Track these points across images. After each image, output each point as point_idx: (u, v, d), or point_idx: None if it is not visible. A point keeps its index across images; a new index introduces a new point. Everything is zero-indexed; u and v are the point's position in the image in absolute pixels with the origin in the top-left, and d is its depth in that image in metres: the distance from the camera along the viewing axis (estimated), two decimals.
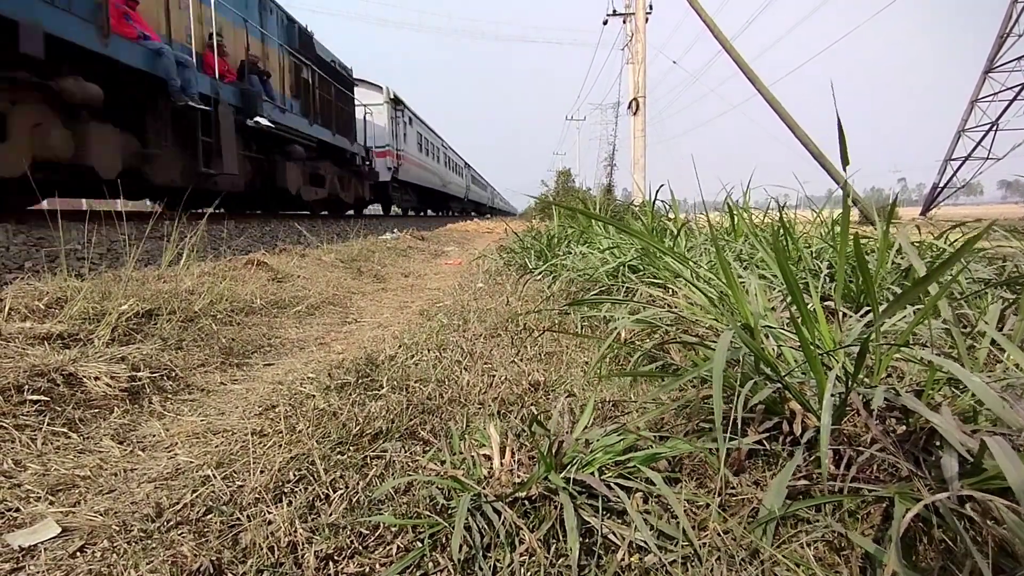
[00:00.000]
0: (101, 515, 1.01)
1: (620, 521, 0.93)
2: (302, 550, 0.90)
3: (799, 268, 2.29)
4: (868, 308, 1.46)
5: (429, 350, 1.99)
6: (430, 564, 0.87)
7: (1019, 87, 22.75)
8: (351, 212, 15.24)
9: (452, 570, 0.85)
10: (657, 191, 3.80)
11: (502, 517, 0.91)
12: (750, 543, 0.85)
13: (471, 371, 1.75)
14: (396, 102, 16.42)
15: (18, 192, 4.94)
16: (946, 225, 2.57)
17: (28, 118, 4.43)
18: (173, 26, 6.33)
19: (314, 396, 1.55)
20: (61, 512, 1.02)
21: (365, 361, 1.83)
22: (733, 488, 0.99)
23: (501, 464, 1.06)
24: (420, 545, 0.90)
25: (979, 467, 0.80)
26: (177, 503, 1.04)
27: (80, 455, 1.26)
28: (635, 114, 13.34)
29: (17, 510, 1.03)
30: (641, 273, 2.56)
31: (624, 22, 14.81)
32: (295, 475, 1.12)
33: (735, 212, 3.06)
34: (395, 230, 9.89)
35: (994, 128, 23.80)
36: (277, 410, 1.47)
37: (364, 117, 14.02)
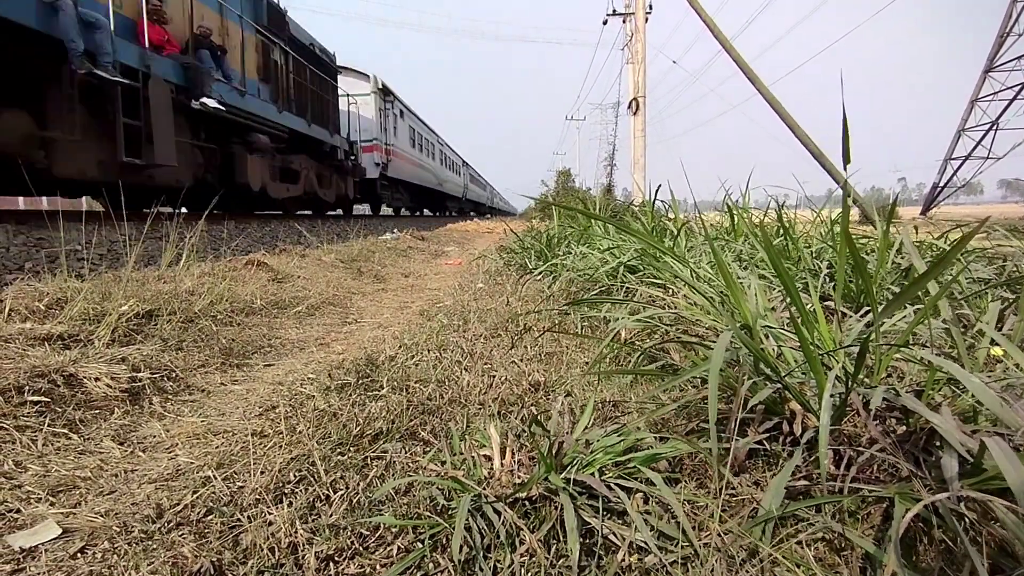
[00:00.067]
0: (102, 516, 1.01)
1: (620, 521, 0.93)
2: (303, 551, 0.90)
3: (799, 268, 2.29)
4: (868, 308, 1.46)
5: (429, 350, 1.99)
6: (431, 565, 0.87)
7: (1019, 86, 22.74)
8: (339, 212, 14.17)
9: (452, 571, 0.85)
10: (656, 191, 3.80)
11: (502, 518, 0.92)
12: (750, 543, 0.85)
13: (471, 371, 1.75)
14: (385, 92, 14.96)
15: None
16: (946, 225, 2.57)
17: None
18: None
19: (314, 397, 1.55)
20: (62, 513, 1.02)
21: (365, 362, 1.83)
22: (733, 488, 0.99)
23: (501, 465, 1.06)
24: (420, 546, 0.90)
25: (979, 467, 0.80)
26: (178, 504, 1.04)
27: (81, 456, 1.26)
28: (635, 114, 13.34)
29: (18, 511, 1.03)
30: (641, 273, 2.56)
31: (624, 22, 14.81)
32: (295, 476, 1.13)
33: (735, 212, 3.06)
34: (395, 230, 9.89)
35: (994, 127, 23.78)
36: (277, 411, 1.48)
37: (348, 108, 12.76)
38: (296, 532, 0.93)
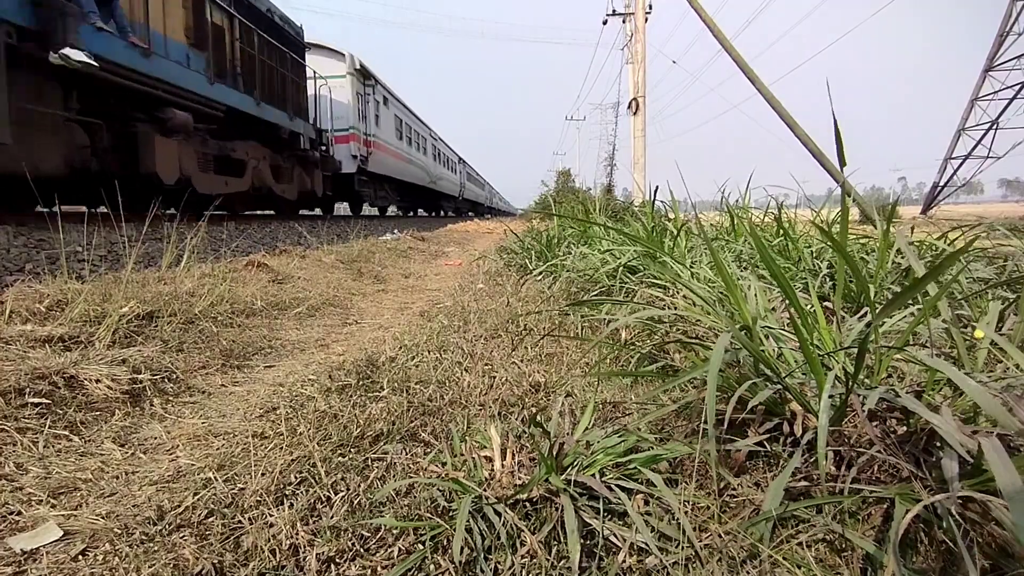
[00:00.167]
0: (103, 518, 1.01)
1: (621, 523, 0.93)
2: (304, 553, 0.90)
3: (799, 268, 2.29)
4: (868, 309, 1.46)
5: (430, 351, 2.00)
6: (431, 566, 0.87)
7: (1019, 85, 22.73)
8: (319, 212, 12.85)
9: (453, 572, 0.85)
10: (655, 191, 3.80)
11: (503, 519, 0.92)
12: (750, 544, 0.85)
13: (472, 372, 1.75)
14: (365, 75, 12.96)
15: None
16: (946, 224, 2.57)
17: None
18: None
19: (315, 398, 1.55)
20: (63, 515, 1.02)
21: (366, 363, 1.83)
22: (734, 489, 0.99)
23: (502, 466, 1.06)
24: (421, 547, 0.90)
25: (979, 468, 0.80)
26: (178, 506, 1.04)
27: (81, 458, 1.26)
28: (635, 114, 13.34)
29: (19, 513, 1.03)
30: (641, 274, 2.56)
31: (624, 22, 14.81)
32: (296, 477, 1.13)
33: (734, 213, 3.06)
34: (395, 231, 9.89)
35: (994, 127, 23.78)
36: (278, 412, 1.48)
37: (318, 91, 11.04)
38: (297, 534, 0.94)
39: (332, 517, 0.99)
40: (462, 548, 0.86)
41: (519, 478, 1.03)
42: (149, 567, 0.87)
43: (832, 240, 1.14)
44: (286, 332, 2.60)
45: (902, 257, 2.17)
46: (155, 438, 1.38)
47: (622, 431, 1.16)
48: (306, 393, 1.61)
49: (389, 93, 15.42)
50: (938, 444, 0.90)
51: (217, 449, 1.30)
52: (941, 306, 1.16)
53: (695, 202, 3.54)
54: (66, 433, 1.36)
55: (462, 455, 1.15)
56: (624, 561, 0.86)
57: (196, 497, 1.06)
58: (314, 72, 10.66)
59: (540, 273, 3.48)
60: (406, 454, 1.23)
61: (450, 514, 0.96)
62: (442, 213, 27.41)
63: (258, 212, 9.10)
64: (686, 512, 0.92)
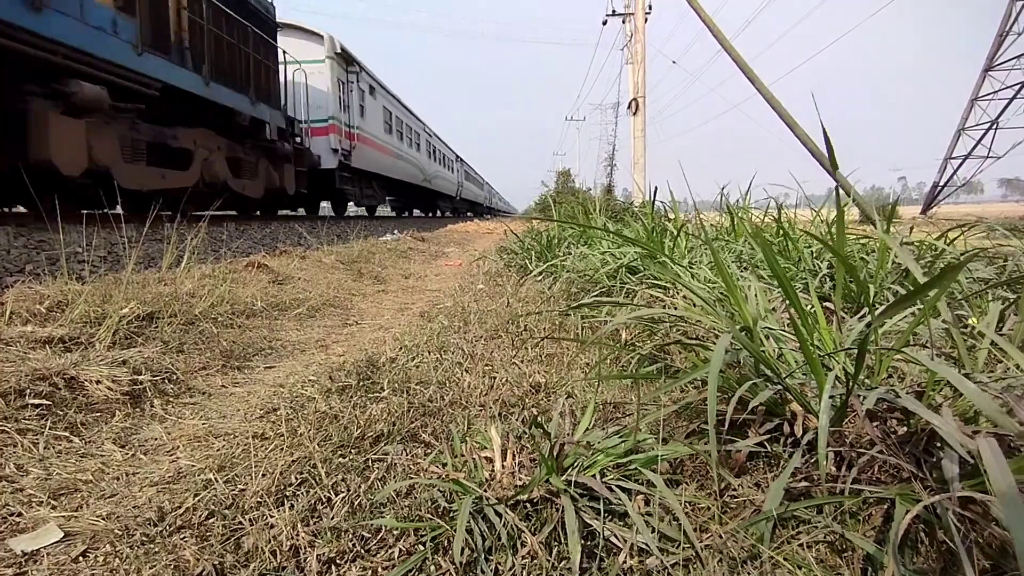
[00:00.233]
0: (103, 519, 1.01)
1: (622, 523, 0.93)
2: (304, 554, 0.90)
3: (799, 268, 2.29)
4: (867, 309, 1.46)
5: (430, 352, 2.00)
6: (432, 567, 0.87)
7: (1019, 85, 22.74)
8: (300, 212, 11.91)
9: (454, 573, 0.85)
10: (655, 191, 3.80)
11: (504, 520, 0.92)
12: (751, 545, 0.86)
13: (472, 373, 1.75)
14: (347, 60, 11.76)
15: None
16: (946, 224, 2.57)
17: None
18: None
19: (315, 399, 1.55)
20: (63, 516, 1.03)
21: (366, 363, 1.83)
22: (734, 490, 0.99)
23: (502, 467, 1.06)
24: (422, 548, 0.90)
25: (980, 468, 0.80)
26: (179, 507, 1.04)
27: (82, 459, 1.26)
28: (635, 114, 13.35)
29: (19, 514, 1.03)
30: (642, 274, 2.56)
31: (623, 22, 14.82)
32: (297, 478, 1.13)
33: (734, 213, 3.06)
34: (395, 231, 9.90)
35: (994, 126, 23.78)
36: (278, 413, 1.48)
37: (293, 77, 9.91)
38: (298, 535, 0.94)
39: (333, 518, 0.99)
40: (463, 549, 0.86)
41: (520, 479, 1.03)
42: (150, 568, 0.87)
43: (831, 249, 1.14)
44: (286, 333, 2.61)
45: None
46: (155, 439, 1.38)
47: (622, 432, 1.16)
48: (306, 394, 1.61)
49: (376, 82, 14.03)
50: (938, 444, 0.90)
51: (218, 450, 1.30)
52: (941, 307, 1.16)
53: (695, 202, 3.54)
54: (66, 434, 1.36)
55: (462, 456, 1.15)
56: (625, 562, 0.86)
57: (197, 498, 1.06)
58: (284, 54, 9.35)
59: (540, 273, 3.48)
60: (407, 455, 1.23)
61: (451, 515, 0.96)
62: (439, 214, 26.56)
63: (218, 213, 7.37)
64: (687, 513, 0.92)
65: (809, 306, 1.37)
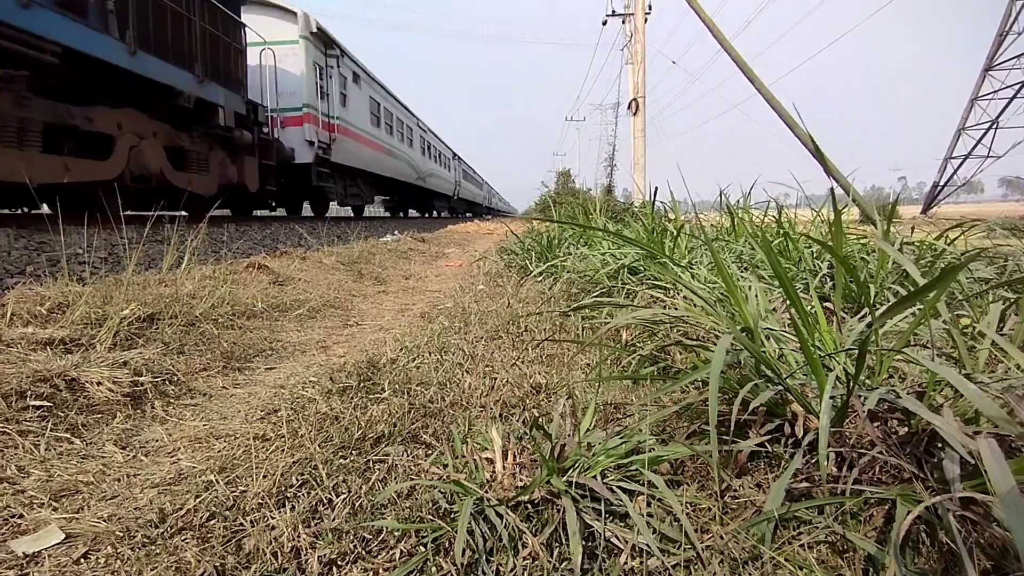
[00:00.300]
0: (104, 521, 1.01)
1: (623, 524, 0.93)
2: (305, 555, 0.90)
3: (799, 268, 2.29)
4: (868, 310, 1.46)
5: (430, 353, 2.00)
6: (433, 568, 0.87)
7: (1019, 85, 22.73)
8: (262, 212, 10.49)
9: (455, 574, 0.85)
10: (655, 192, 3.80)
11: (505, 521, 0.92)
12: (752, 546, 0.86)
13: (472, 374, 1.75)
14: (325, 42, 10.46)
15: None
16: (946, 224, 2.57)
17: None
18: None
19: (316, 400, 1.55)
20: (64, 518, 1.03)
21: (367, 364, 1.84)
22: (735, 490, 0.99)
23: (503, 467, 1.06)
24: (423, 549, 0.90)
25: (981, 469, 0.80)
26: (180, 508, 1.04)
27: (83, 460, 1.26)
28: (635, 115, 13.35)
29: (21, 516, 1.03)
30: (642, 275, 2.56)
31: (623, 23, 14.82)
32: (298, 480, 1.13)
33: (734, 213, 3.06)
34: (395, 232, 9.90)
35: (994, 126, 23.77)
36: (279, 414, 1.48)
37: (261, 60, 8.75)
38: (299, 536, 0.94)
39: (334, 519, 0.99)
40: (464, 550, 0.86)
41: (520, 480, 1.03)
42: (151, 570, 0.87)
43: (831, 251, 1.14)
44: (287, 334, 2.61)
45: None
46: (156, 440, 1.39)
47: (623, 432, 1.16)
48: (307, 395, 1.61)
49: (361, 69, 12.68)
50: (939, 445, 0.90)
51: (218, 451, 1.30)
52: (940, 307, 1.16)
53: (695, 202, 3.55)
54: (67, 436, 1.36)
55: (463, 457, 1.15)
56: (626, 563, 0.86)
57: (198, 500, 1.06)
58: (259, 38, 8.37)
59: (540, 274, 3.48)
60: (407, 456, 1.23)
61: (452, 516, 0.97)
62: (435, 214, 25.57)
63: (168, 213, 5.68)
64: (688, 513, 0.92)
65: (810, 306, 1.37)
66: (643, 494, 0.98)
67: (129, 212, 4.85)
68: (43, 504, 1.07)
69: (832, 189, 1.47)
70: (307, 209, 13.13)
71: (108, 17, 5.03)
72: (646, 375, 1.58)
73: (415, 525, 0.95)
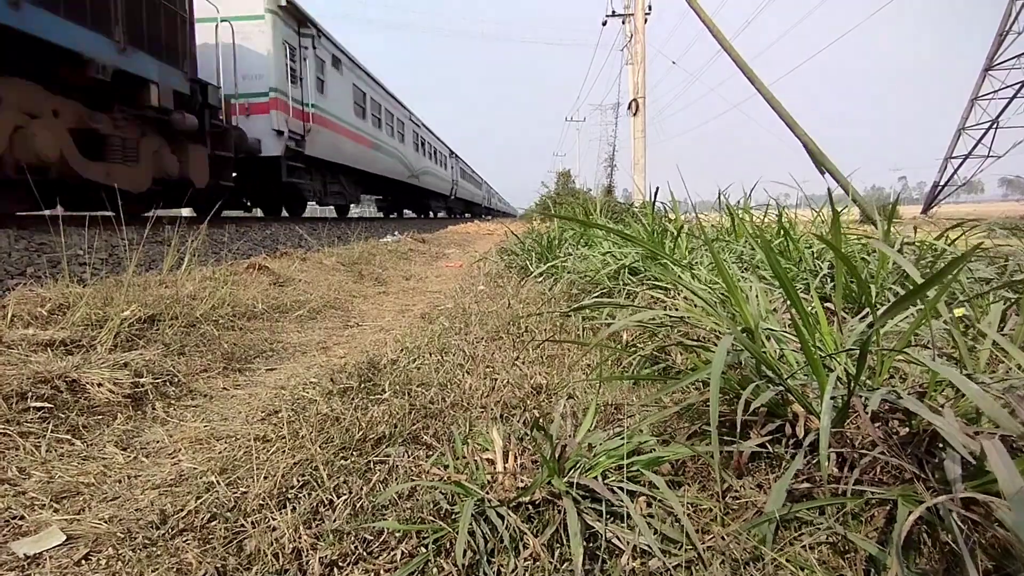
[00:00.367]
0: (106, 522, 1.01)
1: (624, 525, 0.93)
2: (307, 556, 0.90)
3: (800, 269, 2.29)
4: (868, 310, 1.46)
5: (431, 354, 2.00)
6: (434, 570, 0.87)
7: (1019, 84, 22.73)
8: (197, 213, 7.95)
9: (456, 575, 0.85)
10: (656, 192, 3.80)
11: (506, 522, 0.92)
12: (753, 546, 0.85)
13: (473, 375, 1.75)
14: (300, 19, 9.27)
15: None
16: (946, 223, 2.57)
17: None
18: None
19: (317, 401, 1.55)
20: (66, 520, 1.03)
21: (367, 365, 1.84)
22: (736, 491, 0.99)
23: (504, 468, 1.06)
24: (424, 550, 0.90)
25: (982, 469, 0.80)
26: (181, 510, 1.04)
27: (84, 462, 1.26)
28: (635, 115, 13.35)
29: (22, 518, 1.03)
30: (642, 275, 2.56)
31: (623, 23, 14.83)
32: (299, 481, 1.13)
33: (734, 214, 3.06)
34: (396, 233, 9.90)
35: (994, 126, 23.77)
36: (280, 415, 1.48)
37: (218, 37, 7.57)
38: (300, 537, 0.94)
39: (335, 520, 0.99)
40: (465, 551, 0.86)
41: (521, 480, 1.03)
42: (152, 571, 0.87)
43: (834, 249, 1.14)
44: (287, 335, 2.61)
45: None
46: (157, 442, 1.39)
47: (624, 433, 1.16)
48: (308, 396, 1.61)
49: (343, 53, 11.41)
50: (941, 445, 0.90)
51: (219, 452, 1.30)
52: (941, 307, 1.16)
53: (696, 203, 3.55)
54: (68, 437, 1.36)
55: (464, 458, 1.15)
56: (627, 563, 0.86)
57: (199, 501, 1.06)
58: (217, 12, 7.36)
59: (541, 275, 3.48)
60: (408, 457, 1.23)
61: (453, 517, 0.96)
62: (431, 215, 24.89)
63: (86, 213, 5.04)
64: (689, 514, 0.92)
65: (810, 307, 1.37)
66: (644, 495, 0.98)
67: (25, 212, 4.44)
68: (44, 505, 1.07)
69: (829, 189, 1.47)
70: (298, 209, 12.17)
71: None
72: (647, 376, 1.58)
73: (416, 526, 0.95)
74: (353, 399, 1.57)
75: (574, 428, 1.24)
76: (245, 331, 2.53)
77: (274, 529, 0.96)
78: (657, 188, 3.73)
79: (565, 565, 0.87)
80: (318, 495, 1.07)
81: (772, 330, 1.30)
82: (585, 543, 0.88)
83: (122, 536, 0.96)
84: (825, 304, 1.57)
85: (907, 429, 0.98)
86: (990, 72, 23.93)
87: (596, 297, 2.52)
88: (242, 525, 0.99)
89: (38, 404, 1.45)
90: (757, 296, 1.52)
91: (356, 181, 13.33)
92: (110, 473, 1.22)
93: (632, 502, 0.95)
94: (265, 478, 1.14)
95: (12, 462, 1.22)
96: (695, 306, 1.65)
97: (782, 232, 2.67)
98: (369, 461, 1.21)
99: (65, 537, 0.97)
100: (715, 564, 0.84)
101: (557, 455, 1.03)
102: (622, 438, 1.13)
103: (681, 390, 1.40)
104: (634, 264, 2.68)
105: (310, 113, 9.65)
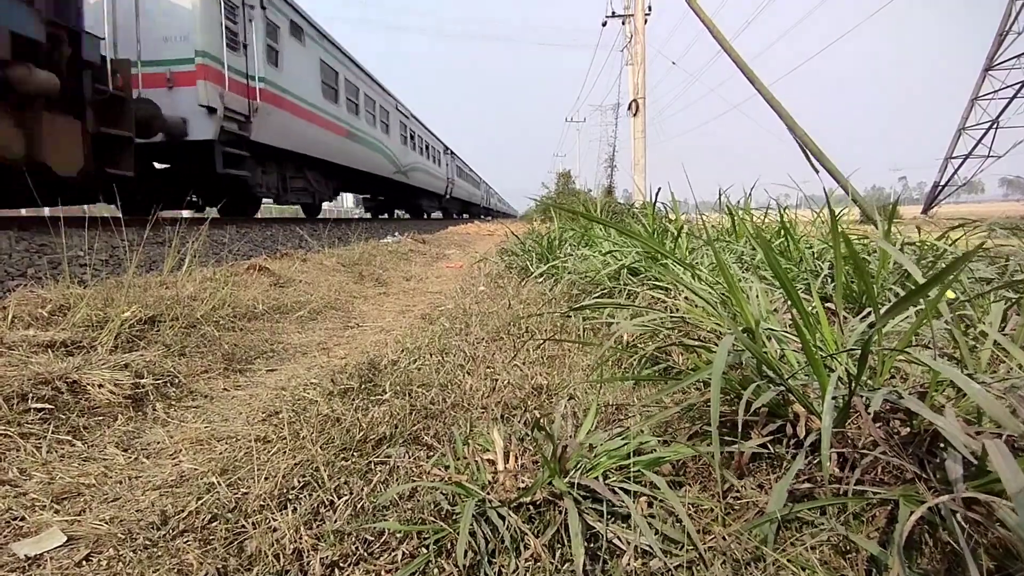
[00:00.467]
0: (106, 523, 1.01)
1: (625, 525, 0.93)
2: (308, 557, 0.90)
3: (800, 269, 2.29)
4: (870, 309, 1.45)
5: (431, 354, 2.00)
6: (435, 570, 0.87)
7: (1019, 84, 22.72)
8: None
9: None
10: (656, 192, 3.80)
11: (507, 522, 0.92)
12: (754, 547, 0.85)
13: (474, 375, 1.75)
14: None
15: None
16: (947, 224, 2.57)
17: None
18: None
19: (317, 402, 1.55)
20: (66, 521, 1.03)
21: (368, 366, 1.84)
22: (737, 491, 0.99)
23: (505, 469, 1.06)
24: (425, 551, 0.90)
25: (984, 469, 0.80)
26: (182, 511, 1.04)
27: (85, 463, 1.26)
28: (635, 115, 13.35)
29: (23, 519, 1.03)
30: (643, 275, 2.56)
31: (623, 24, 14.83)
32: (299, 481, 1.13)
33: (735, 214, 3.06)
34: (396, 234, 9.90)
35: (994, 126, 23.76)
36: (280, 416, 1.48)
37: None
38: (301, 538, 0.94)
39: (336, 521, 0.99)
40: (466, 552, 0.86)
41: (522, 481, 1.03)
42: (153, 572, 0.87)
43: (846, 242, 1.14)
44: (288, 336, 2.61)
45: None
46: (158, 443, 1.39)
47: (625, 433, 1.16)
48: (308, 397, 1.61)
49: (306, 20, 9.28)
50: (942, 445, 0.90)
51: (220, 453, 1.30)
52: (942, 307, 1.16)
53: (696, 203, 3.55)
54: (69, 438, 1.36)
55: (465, 458, 1.15)
56: (628, 564, 0.86)
57: (199, 502, 1.06)
58: None
59: (541, 275, 3.48)
60: (409, 457, 1.23)
61: (453, 517, 0.96)
62: (425, 216, 23.38)
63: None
64: (690, 514, 0.92)
65: (811, 307, 1.37)
66: (645, 495, 0.98)
67: None
68: (45, 506, 1.07)
69: (825, 189, 1.47)
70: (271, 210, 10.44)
71: None
72: (647, 376, 1.57)
73: (417, 527, 0.95)
74: (354, 400, 1.57)
75: (575, 428, 1.24)
76: (246, 332, 2.53)
77: (275, 530, 0.96)
78: (659, 188, 3.74)
79: (566, 566, 0.87)
80: (319, 496, 1.07)
81: (773, 330, 1.30)
82: (586, 543, 0.88)
83: (123, 537, 0.96)
84: (826, 304, 1.57)
85: (908, 429, 0.98)
86: (990, 72, 23.93)
87: (597, 297, 2.52)
88: (243, 526, 0.99)
89: (39, 405, 1.45)
90: (758, 296, 1.52)
91: (327, 176, 11.30)
92: (111, 474, 1.22)
93: (633, 502, 0.95)
94: (266, 479, 1.14)
95: (13, 463, 1.22)
96: (696, 306, 1.65)
97: (782, 232, 2.67)
98: (370, 462, 1.21)
99: (66, 538, 0.97)
100: (716, 564, 0.84)
101: (558, 455, 1.03)
102: (623, 438, 1.13)
103: (682, 390, 1.39)
104: (634, 264, 2.68)
105: (257, 88, 7.50)
